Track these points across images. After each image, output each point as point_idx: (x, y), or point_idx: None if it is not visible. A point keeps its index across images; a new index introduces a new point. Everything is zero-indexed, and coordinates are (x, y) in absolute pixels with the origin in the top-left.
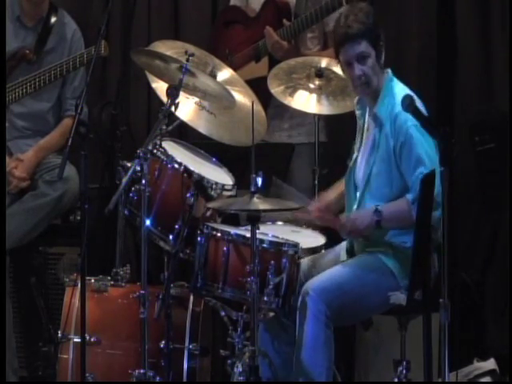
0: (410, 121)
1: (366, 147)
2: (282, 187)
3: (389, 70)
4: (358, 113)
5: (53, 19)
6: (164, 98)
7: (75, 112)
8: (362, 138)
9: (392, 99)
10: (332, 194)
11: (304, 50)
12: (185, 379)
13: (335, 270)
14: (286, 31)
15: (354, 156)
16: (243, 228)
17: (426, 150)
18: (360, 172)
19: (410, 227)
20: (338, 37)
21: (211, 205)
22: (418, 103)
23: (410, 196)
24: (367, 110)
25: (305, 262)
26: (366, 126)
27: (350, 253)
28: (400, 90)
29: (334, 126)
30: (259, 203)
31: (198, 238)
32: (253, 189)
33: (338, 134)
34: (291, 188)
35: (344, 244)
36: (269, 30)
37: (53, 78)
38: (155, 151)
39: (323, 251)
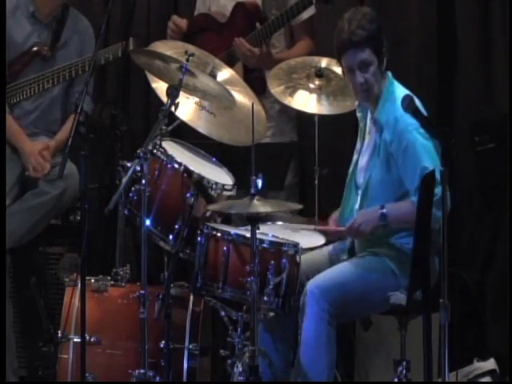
0: (410, 125)
1: (367, 151)
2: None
3: (389, 73)
4: (359, 115)
5: (66, 16)
6: (164, 98)
7: (75, 112)
8: (363, 141)
9: (392, 104)
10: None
11: (272, 49)
12: (185, 379)
13: (338, 268)
14: (257, 35)
15: (355, 158)
16: (243, 228)
17: (429, 153)
18: (361, 175)
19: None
20: (341, 42)
21: (211, 207)
22: (418, 104)
23: (415, 198)
24: (368, 112)
25: (304, 259)
26: (367, 129)
27: (351, 252)
28: (400, 93)
29: (332, 126)
30: (259, 205)
31: (198, 238)
32: (253, 191)
33: (337, 133)
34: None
35: (343, 242)
36: (239, 40)
37: (73, 74)
38: (155, 151)
39: (322, 249)
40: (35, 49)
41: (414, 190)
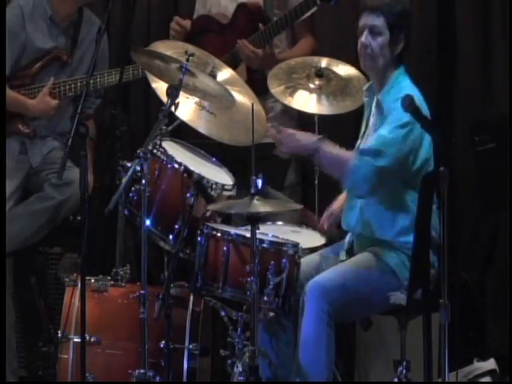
0: (396, 121)
1: (370, 135)
2: (272, 194)
3: (403, 66)
4: (365, 100)
5: (81, 18)
6: (164, 98)
7: (75, 112)
8: (366, 126)
9: (396, 94)
10: (336, 205)
11: (274, 49)
12: (185, 379)
13: (338, 268)
14: (260, 36)
15: (358, 143)
16: (243, 228)
17: (384, 147)
18: None
19: (343, 177)
20: (363, 5)
21: (211, 207)
22: (421, 104)
23: (357, 156)
24: (374, 97)
25: (304, 261)
26: (371, 113)
27: (350, 253)
28: (406, 88)
29: (332, 126)
30: (259, 205)
31: (198, 238)
32: (253, 191)
33: (337, 133)
34: (278, 193)
35: (342, 243)
36: (242, 42)
37: (98, 85)
38: (155, 151)
39: (321, 250)
40: (54, 53)
41: (361, 151)
